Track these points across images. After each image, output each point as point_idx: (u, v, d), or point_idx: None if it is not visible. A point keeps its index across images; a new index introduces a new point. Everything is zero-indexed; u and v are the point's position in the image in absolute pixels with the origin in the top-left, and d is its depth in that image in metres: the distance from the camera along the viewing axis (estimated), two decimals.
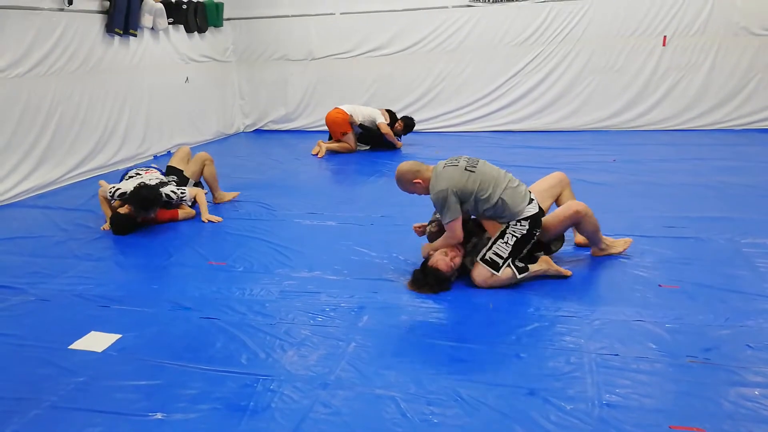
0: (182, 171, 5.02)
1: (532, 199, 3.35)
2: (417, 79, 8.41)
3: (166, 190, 4.52)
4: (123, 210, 4.44)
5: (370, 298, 3.22)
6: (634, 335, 2.72)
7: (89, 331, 2.94)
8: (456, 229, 3.29)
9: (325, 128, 7.70)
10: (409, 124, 7.47)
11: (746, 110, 7.51)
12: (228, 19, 8.77)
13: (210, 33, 8.42)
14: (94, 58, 6.32)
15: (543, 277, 3.36)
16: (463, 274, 3.40)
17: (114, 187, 4.53)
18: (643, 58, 7.63)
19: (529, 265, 3.32)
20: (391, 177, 5.85)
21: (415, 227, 3.71)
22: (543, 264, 3.36)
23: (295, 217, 4.70)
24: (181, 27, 7.81)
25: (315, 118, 8.91)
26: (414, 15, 8.20)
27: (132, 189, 4.38)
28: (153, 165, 5.18)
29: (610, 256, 3.62)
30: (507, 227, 3.28)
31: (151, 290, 3.44)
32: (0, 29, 5.24)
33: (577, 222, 3.42)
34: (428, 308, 3.09)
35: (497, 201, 3.24)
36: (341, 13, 8.44)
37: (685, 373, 2.42)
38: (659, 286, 3.21)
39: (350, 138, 7.24)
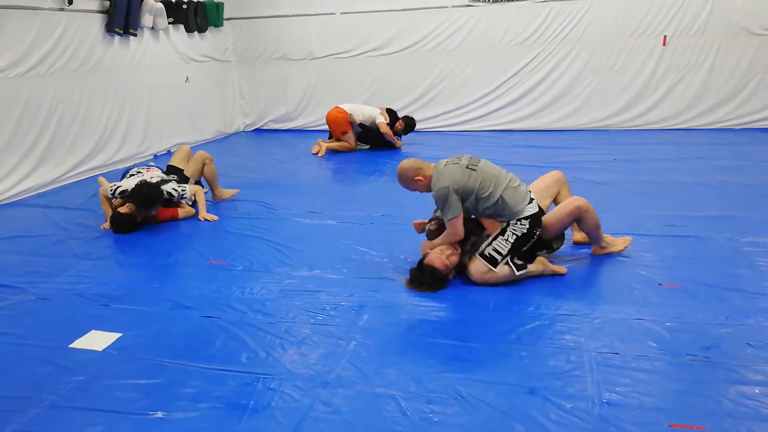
0: (182, 170, 5.02)
1: (532, 199, 3.36)
2: (417, 78, 8.41)
3: (167, 187, 4.53)
4: (123, 209, 4.44)
5: (371, 296, 3.22)
6: (634, 334, 2.72)
7: (89, 330, 2.94)
8: (457, 227, 3.30)
9: (325, 128, 7.72)
10: (409, 123, 7.45)
11: (746, 110, 7.51)
12: (228, 19, 8.77)
13: (210, 33, 8.42)
14: (95, 57, 6.32)
15: (540, 275, 3.37)
16: (461, 273, 3.40)
17: (115, 185, 4.53)
18: (644, 57, 7.63)
19: (528, 264, 3.33)
20: (391, 176, 5.87)
21: (414, 224, 3.72)
22: (539, 265, 3.38)
23: (295, 216, 4.70)
24: (181, 27, 7.81)
25: (315, 118, 8.91)
26: (414, 15, 8.20)
27: (133, 186, 4.38)
28: (151, 163, 5.18)
29: (611, 254, 3.62)
30: (507, 225, 3.29)
31: (151, 289, 3.44)
32: (0, 29, 5.24)
33: (578, 217, 3.42)
34: (428, 307, 3.09)
35: (497, 200, 3.25)
36: (341, 13, 8.45)
37: (686, 371, 2.42)
38: (659, 284, 3.21)
39: (350, 137, 7.24)
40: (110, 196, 4.53)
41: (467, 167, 3.31)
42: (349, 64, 8.59)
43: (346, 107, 7.20)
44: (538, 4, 7.77)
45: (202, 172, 5.08)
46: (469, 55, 8.17)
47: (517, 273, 3.27)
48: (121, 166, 6.48)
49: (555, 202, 3.71)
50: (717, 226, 4.00)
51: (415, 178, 3.40)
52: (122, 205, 4.50)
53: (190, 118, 8.06)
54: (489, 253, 3.26)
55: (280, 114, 9.16)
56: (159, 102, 7.38)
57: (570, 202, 3.42)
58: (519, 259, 3.31)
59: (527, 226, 3.28)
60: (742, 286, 3.13)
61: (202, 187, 5.22)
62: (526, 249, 3.33)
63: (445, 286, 3.29)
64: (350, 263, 3.69)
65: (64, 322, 3.04)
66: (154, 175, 4.71)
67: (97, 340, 2.84)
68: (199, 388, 2.42)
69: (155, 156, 7.29)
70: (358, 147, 7.42)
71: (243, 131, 9.31)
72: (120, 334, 2.88)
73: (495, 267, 3.24)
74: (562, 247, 3.68)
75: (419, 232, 3.71)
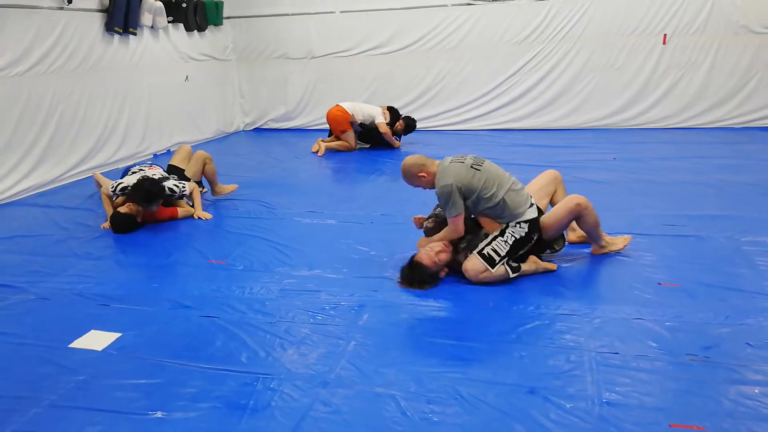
0: (183, 170, 5.02)
1: (533, 204, 3.39)
2: (417, 77, 8.41)
3: (168, 184, 4.55)
4: (123, 209, 4.44)
5: (370, 296, 3.22)
6: (634, 333, 2.72)
7: (89, 330, 2.94)
8: (459, 224, 3.34)
9: (325, 127, 7.74)
10: (410, 124, 7.43)
11: (746, 108, 7.50)
12: (228, 18, 8.76)
13: (210, 31, 8.41)
14: (94, 56, 6.32)
15: (534, 273, 3.40)
16: (457, 272, 3.40)
17: (116, 182, 4.54)
18: (644, 56, 7.63)
19: (521, 265, 3.35)
20: (391, 175, 5.88)
21: (414, 219, 3.76)
22: (532, 264, 3.40)
23: (295, 216, 4.70)
24: (181, 25, 7.80)
25: (315, 117, 8.91)
26: (414, 13, 8.19)
27: (135, 182, 4.39)
28: (149, 162, 5.18)
29: (610, 254, 3.62)
30: (507, 227, 3.30)
31: (151, 289, 3.44)
32: (0, 28, 5.24)
33: (578, 215, 3.42)
34: (428, 306, 3.09)
35: (499, 201, 3.27)
36: (341, 12, 8.44)
37: (685, 371, 2.42)
38: (659, 284, 3.21)
39: (349, 136, 7.24)
40: (111, 193, 4.53)
41: (471, 166, 3.34)
42: (349, 62, 8.58)
43: (347, 106, 7.19)
44: (538, 2, 7.76)
45: (203, 172, 5.09)
46: (469, 54, 8.16)
47: (511, 275, 3.30)
48: (121, 166, 6.48)
49: (551, 202, 3.72)
50: (717, 226, 4.00)
51: (419, 174, 3.42)
52: (123, 204, 4.51)
53: (190, 117, 8.06)
54: (488, 253, 3.27)
55: (280, 113, 9.16)
56: (159, 101, 7.38)
57: (570, 200, 3.42)
58: (514, 261, 3.33)
59: (526, 229, 3.31)
60: (742, 286, 3.13)
61: (203, 186, 5.23)
62: (522, 252, 3.35)
63: (436, 283, 3.31)
64: (350, 263, 3.69)
65: (64, 322, 3.04)
66: (155, 172, 4.72)
67: (96, 339, 2.84)
68: (199, 388, 2.42)
69: (155, 155, 7.28)
70: (359, 146, 7.42)
71: (243, 130, 9.30)
72: (120, 334, 2.88)
73: (492, 267, 3.25)
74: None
75: (418, 228, 3.73)
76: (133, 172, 4.76)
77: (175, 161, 5.11)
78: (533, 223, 3.33)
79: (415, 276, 3.28)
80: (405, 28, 8.26)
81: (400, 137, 7.51)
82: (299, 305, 3.14)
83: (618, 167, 5.78)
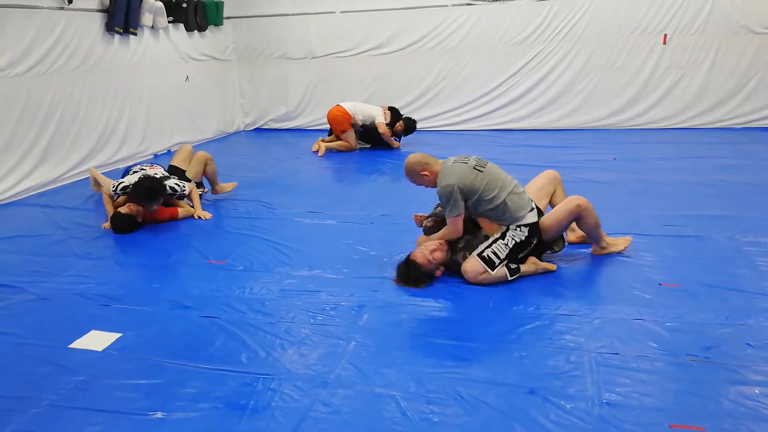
0: (184, 171, 5.01)
1: (533, 208, 3.39)
2: (417, 77, 8.40)
3: (169, 182, 4.55)
4: (124, 209, 4.44)
5: (371, 296, 3.22)
6: (634, 334, 2.72)
7: (89, 330, 2.94)
8: (458, 224, 3.35)
9: (325, 127, 7.74)
10: (409, 125, 7.41)
11: (746, 109, 7.50)
12: (228, 18, 8.76)
13: (210, 32, 8.41)
14: (94, 56, 6.32)
15: (533, 274, 3.40)
16: (455, 272, 3.40)
17: (117, 182, 4.54)
18: (644, 56, 7.63)
19: (520, 266, 3.36)
20: (391, 176, 5.88)
21: (415, 216, 3.77)
22: (531, 265, 3.40)
23: (295, 216, 4.70)
24: (181, 26, 7.80)
25: (315, 117, 8.91)
26: (414, 13, 8.19)
27: (136, 181, 4.39)
28: (149, 162, 5.19)
29: (611, 254, 3.62)
30: (507, 230, 3.31)
31: (151, 289, 3.44)
32: (0, 28, 5.24)
33: (578, 216, 3.42)
34: (428, 307, 3.09)
35: (500, 204, 3.28)
36: (341, 12, 8.44)
37: (686, 371, 2.42)
38: (659, 284, 3.21)
39: (349, 136, 7.24)
40: (113, 193, 4.53)
41: (474, 168, 3.35)
42: (350, 63, 8.58)
43: (347, 106, 7.19)
44: (538, 2, 7.76)
45: (204, 173, 5.09)
46: (469, 54, 8.16)
47: (510, 277, 3.30)
48: (122, 166, 6.48)
49: (551, 203, 3.72)
50: (717, 226, 4.00)
51: (422, 172, 3.44)
52: (124, 204, 4.51)
53: (190, 117, 8.06)
54: (488, 255, 3.27)
55: (280, 113, 9.15)
56: (159, 101, 7.37)
57: (570, 201, 3.42)
58: (513, 263, 3.33)
59: (526, 233, 3.32)
60: (742, 286, 3.13)
61: (203, 187, 5.23)
62: (522, 255, 3.36)
63: (431, 281, 3.33)
64: (350, 263, 3.69)
65: (64, 322, 3.04)
66: (157, 171, 4.72)
67: (96, 340, 2.84)
68: (199, 388, 2.42)
69: (155, 155, 7.28)
70: (360, 146, 7.42)
71: (243, 130, 9.30)
72: (120, 334, 2.88)
73: (492, 269, 3.25)
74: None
75: (419, 226, 3.75)
76: (135, 172, 4.76)
77: (176, 162, 5.11)
78: (533, 228, 3.34)
79: (410, 274, 3.31)
80: (405, 28, 8.26)
81: (399, 138, 7.50)
82: (299, 305, 3.14)
83: (618, 167, 5.78)
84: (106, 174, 5.79)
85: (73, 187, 5.87)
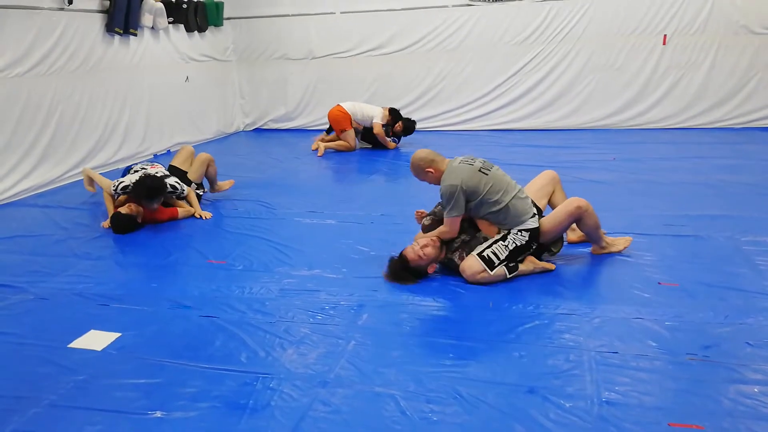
0: (185, 172, 5.01)
1: (535, 214, 3.39)
2: (417, 78, 8.41)
3: (170, 181, 4.56)
4: (124, 209, 4.45)
5: (370, 296, 3.22)
6: (633, 333, 2.72)
7: (89, 330, 2.94)
8: (455, 225, 3.36)
9: (325, 128, 7.75)
10: (408, 126, 7.41)
11: (746, 109, 7.51)
12: (228, 19, 8.77)
13: (210, 32, 8.42)
14: (95, 57, 6.32)
15: (531, 273, 3.41)
16: (452, 270, 3.40)
17: (118, 181, 4.54)
18: (644, 56, 7.63)
19: (519, 265, 3.37)
20: (391, 176, 5.88)
21: (417, 213, 3.79)
22: (529, 264, 3.41)
23: (295, 216, 4.70)
24: (182, 26, 7.81)
25: (315, 117, 8.91)
26: (414, 14, 8.20)
27: (136, 180, 4.39)
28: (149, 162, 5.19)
29: (610, 254, 3.62)
30: (509, 233, 3.32)
31: (150, 289, 3.44)
32: (0, 29, 5.24)
33: (578, 217, 3.42)
34: (428, 306, 3.09)
35: (503, 207, 3.30)
36: (341, 12, 8.44)
37: (685, 370, 2.42)
38: (659, 283, 3.21)
39: (349, 136, 7.25)
40: (113, 193, 4.53)
41: (480, 170, 3.36)
42: (350, 63, 8.59)
43: (347, 106, 7.21)
44: (538, 3, 7.77)
45: (205, 175, 5.09)
46: (469, 55, 8.16)
47: (508, 276, 3.31)
48: (122, 166, 6.47)
49: (550, 203, 3.72)
50: (717, 225, 4.00)
51: (427, 169, 3.46)
52: (124, 203, 4.51)
53: (190, 117, 8.06)
54: (488, 255, 3.27)
55: (280, 114, 9.16)
56: (159, 101, 7.38)
57: (570, 203, 3.43)
58: (512, 263, 3.34)
59: (527, 238, 3.33)
60: (741, 286, 3.13)
61: (203, 187, 5.23)
62: (521, 258, 3.37)
63: (420, 278, 3.35)
64: (350, 263, 3.69)
65: (63, 322, 3.04)
66: (157, 170, 4.73)
67: (96, 339, 2.84)
68: (198, 388, 2.42)
69: (155, 156, 7.29)
70: (361, 146, 7.43)
71: (243, 131, 9.31)
72: (119, 334, 2.88)
73: (491, 269, 3.26)
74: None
75: (419, 223, 3.75)
76: (135, 171, 4.76)
77: (177, 162, 5.10)
78: (534, 233, 3.36)
79: (398, 269, 3.32)
80: (405, 28, 8.27)
81: (399, 139, 7.51)
82: (299, 305, 3.14)
83: (618, 167, 5.78)
84: (106, 174, 5.79)
85: (73, 187, 5.87)
